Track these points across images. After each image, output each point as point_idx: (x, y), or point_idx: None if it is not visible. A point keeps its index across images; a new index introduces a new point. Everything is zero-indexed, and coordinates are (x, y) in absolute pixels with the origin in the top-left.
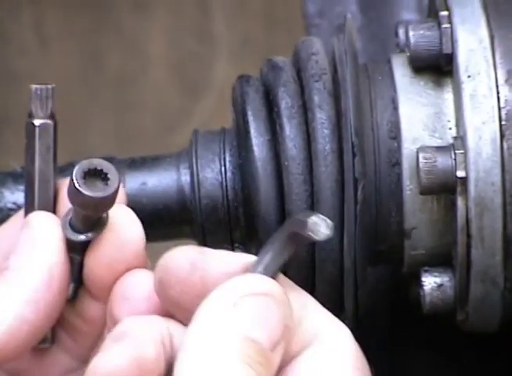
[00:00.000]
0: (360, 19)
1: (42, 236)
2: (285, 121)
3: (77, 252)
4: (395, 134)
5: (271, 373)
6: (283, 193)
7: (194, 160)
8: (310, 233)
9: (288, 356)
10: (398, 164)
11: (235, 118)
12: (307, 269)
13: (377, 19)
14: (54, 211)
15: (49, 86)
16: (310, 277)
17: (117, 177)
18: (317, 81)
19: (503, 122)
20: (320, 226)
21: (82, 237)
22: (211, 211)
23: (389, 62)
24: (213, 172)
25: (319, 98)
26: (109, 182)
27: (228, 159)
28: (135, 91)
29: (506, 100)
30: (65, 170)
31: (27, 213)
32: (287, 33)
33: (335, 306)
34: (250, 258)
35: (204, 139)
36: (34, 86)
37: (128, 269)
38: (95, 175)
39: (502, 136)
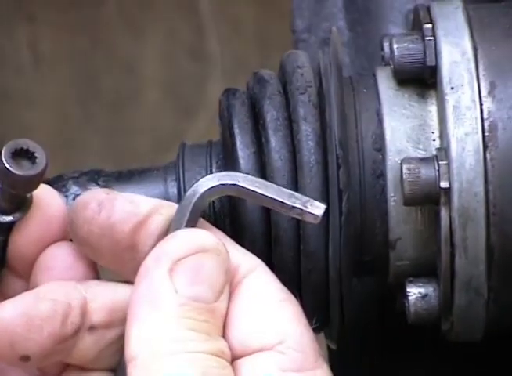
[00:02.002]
0: (348, 34)
1: None
2: (270, 133)
3: (2, 233)
4: (380, 146)
5: (218, 322)
6: None
7: (181, 173)
8: (295, 215)
9: None
10: (382, 175)
11: (221, 131)
12: (293, 280)
13: (364, 33)
14: None
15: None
16: (296, 288)
17: (44, 155)
18: (302, 94)
19: (486, 133)
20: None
21: (9, 218)
22: None
23: (374, 75)
24: None
25: (304, 110)
26: (37, 160)
27: (214, 171)
28: (129, 112)
29: (489, 112)
30: (54, 182)
31: None
32: (280, 53)
33: (321, 316)
34: (158, 202)
35: (191, 152)
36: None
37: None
38: (22, 154)
39: (485, 147)
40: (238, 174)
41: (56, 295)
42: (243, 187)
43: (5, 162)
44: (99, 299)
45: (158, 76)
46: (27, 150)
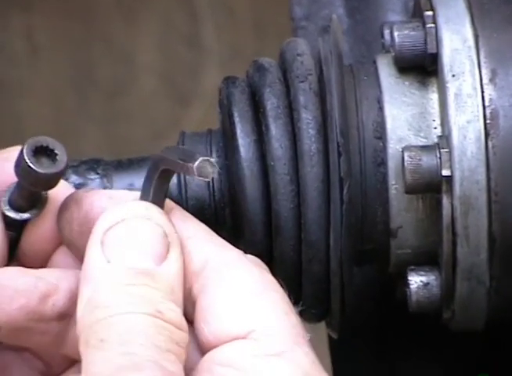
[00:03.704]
0: (347, 22)
1: None
2: (271, 121)
3: (15, 229)
4: (381, 134)
5: (162, 286)
6: (269, 194)
7: None
8: (198, 177)
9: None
10: (383, 163)
11: (221, 119)
12: (294, 270)
13: (364, 21)
14: None
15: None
16: (297, 277)
17: (64, 153)
18: (302, 82)
19: (488, 121)
20: (206, 168)
21: (26, 216)
22: (198, 212)
23: (374, 62)
24: None
25: (305, 98)
26: (57, 157)
27: (214, 160)
28: (125, 100)
29: (490, 99)
30: None
31: None
32: (277, 41)
33: (322, 306)
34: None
35: (191, 141)
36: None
37: None
38: (42, 152)
39: (486, 135)
40: (179, 148)
41: (49, 276)
42: (163, 157)
43: (27, 160)
44: None
45: (154, 64)
46: (47, 148)
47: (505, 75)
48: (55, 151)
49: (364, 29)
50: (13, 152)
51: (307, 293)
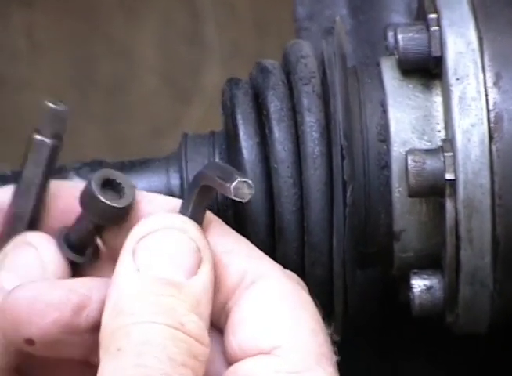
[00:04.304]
0: (350, 23)
1: (49, 260)
2: (274, 123)
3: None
4: (384, 137)
5: (189, 300)
6: (272, 196)
7: (183, 164)
8: (234, 197)
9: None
10: (387, 166)
11: (224, 121)
12: (297, 272)
13: (367, 22)
14: (35, 224)
15: (65, 108)
16: None
17: (132, 188)
18: (306, 84)
19: (492, 124)
20: (243, 189)
21: (81, 260)
22: None
23: (378, 65)
24: None
25: (308, 101)
26: (125, 191)
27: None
28: (125, 97)
29: (494, 103)
30: (56, 173)
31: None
32: (278, 39)
33: (325, 309)
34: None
35: (194, 143)
36: (50, 105)
37: None
38: (109, 185)
39: (490, 138)
40: (221, 165)
41: (81, 287)
42: (204, 173)
43: (95, 191)
44: None
45: (155, 62)
46: (113, 181)
47: (509, 78)
48: (122, 185)
49: (367, 30)
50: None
51: (310, 295)
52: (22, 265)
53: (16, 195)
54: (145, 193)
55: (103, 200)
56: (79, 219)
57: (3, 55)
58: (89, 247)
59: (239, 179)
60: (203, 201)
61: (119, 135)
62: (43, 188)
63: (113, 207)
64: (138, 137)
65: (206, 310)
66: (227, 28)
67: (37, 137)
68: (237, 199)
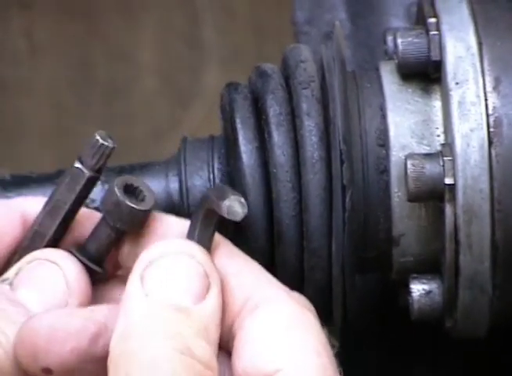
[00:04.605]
0: (349, 27)
1: (73, 278)
2: (273, 128)
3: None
4: (383, 141)
5: (197, 325)
6: (271, 201)
7: (183, 168)
8: (227, 216)
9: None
10: (386, 171)
11: (223, 126)
12: (296, 277)
13: (366, 26)
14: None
15: (113, 145)
16: (298, 285)
17: (152, 193)
18: (305, 89)
19: (491, 129)
20: (235, 207)
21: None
22: None
23: (377, 69)
24: (201, 180)
25: (307, 105)
26: (145, 195)
27: (216, 166)
28: (124, 100)
29: (494, 107)
30: (54, 177)
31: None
32: (277, 42)
33: (324, 313)
34: None
35: (193, 147)
36: (98, 138)
37: None
38: (129, 190)
39: (490, 143)
40: (223, 186)
41: (98, 315)
42: (207, 195)
43: (118, 194)
44: None
45: (154, 64)
46: (133, 186)
47: (509, 83)
48: (143, 191)
49: (366, 34)
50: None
51: (309, 300)
52: (44, 283)
53: (42, 213)
54: (157, 215)
55: (128, 203)
56: (98, 228)
57: (3, 58)
58: (107, 258)
59: (231, 197)
60: (209, 224)
61: (118, 137)
62: (70, 213)
63: (138, 210)
64: (138, 139)
65: (214, 334)
66: (226, 32)
67: (77, 166)
68: (230, 218)
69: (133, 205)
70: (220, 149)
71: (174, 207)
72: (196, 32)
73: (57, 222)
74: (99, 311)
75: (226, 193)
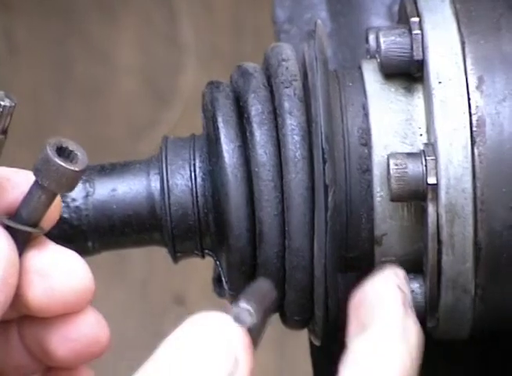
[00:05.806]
0: (330, 26)
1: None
2: (255, 127)
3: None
4: (366, 140)
5: None
6: (253, 200)
7: (164, 167)
8: (235, 322)
9: None
10: (368, 170)
11: (205, 124)
12: (277, 277)
13: (347, 25)
14: None
15: (12, 104)
16: (281, 284)
17: (85, 154)
18: (287, 88)
19: (474, 129)
20: (242, 316)
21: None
22: (181, 218)
23: (359, 68)
24: (183, 179)
25: (290, 104)
26: (78, 157)
27: (198, 165)
28: (103, 99)
29: (477, 107)
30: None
31: None
32: (255, 41)
33: (305, 313)
34: None
35: (174, 146)
36: None
37: None
38: (63, 152)
39: (473, 143)
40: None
41: None
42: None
43: (51, 155)
44: None
45: (133, 64)
46: (66, 148)
47: (492, 82)
48: (75, 152)
49: (348, 33)
50: None
51: (290, 300)
52: None
53: None
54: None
55: (57, 160)
56: (29, 192)
57: None
58: (41, 221)
59: (240, 306)
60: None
61: (97, 136)
62: None
63: (66, 168)
64: (117, 138)
65: None
66: (204, 30)
67: None
68: (237, 324)
69: (61, 163)
70: (202, 148)
71: (156, 207)
72: (174, 31)
73: None
74: None
75: (239, 298)
